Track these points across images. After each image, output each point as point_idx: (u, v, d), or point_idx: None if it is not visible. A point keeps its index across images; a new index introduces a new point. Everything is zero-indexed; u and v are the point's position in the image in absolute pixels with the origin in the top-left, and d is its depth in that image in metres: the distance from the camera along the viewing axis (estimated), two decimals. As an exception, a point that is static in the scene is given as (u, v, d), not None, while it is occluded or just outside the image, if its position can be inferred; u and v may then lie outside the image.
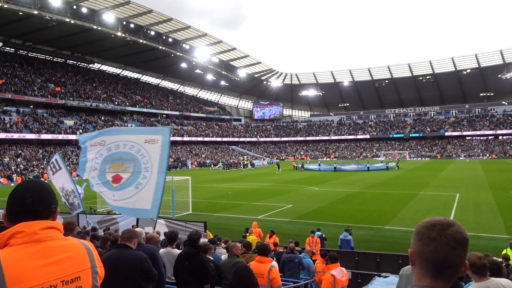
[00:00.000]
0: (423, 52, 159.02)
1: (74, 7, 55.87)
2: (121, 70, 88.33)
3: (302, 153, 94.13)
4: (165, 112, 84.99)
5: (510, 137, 79.92)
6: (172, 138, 77.45)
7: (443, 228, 1.56)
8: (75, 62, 78.47)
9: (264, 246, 5.69)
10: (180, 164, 66.24)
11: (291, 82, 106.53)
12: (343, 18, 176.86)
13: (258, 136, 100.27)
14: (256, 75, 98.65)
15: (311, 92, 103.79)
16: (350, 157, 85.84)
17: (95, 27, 58.57)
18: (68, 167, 11.69)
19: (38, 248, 1.68)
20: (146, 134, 9.15)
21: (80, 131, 61.38)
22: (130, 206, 8.83)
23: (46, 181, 11.31)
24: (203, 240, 7.51)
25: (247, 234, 12.89)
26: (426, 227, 1.61)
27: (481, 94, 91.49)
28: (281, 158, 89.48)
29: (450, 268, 1.55)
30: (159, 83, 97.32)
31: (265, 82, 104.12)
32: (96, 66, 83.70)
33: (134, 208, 8.87)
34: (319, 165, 54.29)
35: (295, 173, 50.81)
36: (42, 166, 48.83)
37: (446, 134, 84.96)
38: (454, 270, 1.55)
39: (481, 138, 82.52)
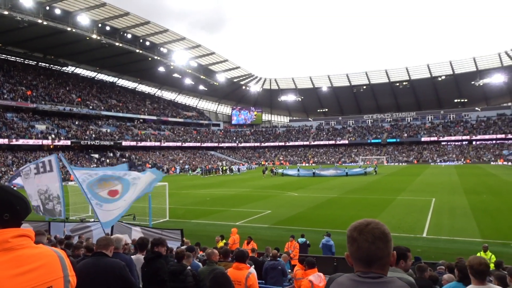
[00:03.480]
0: (400, 59, 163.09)
1: (47, 8, 54.65)
2: (96, 73, 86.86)
3: (281, 158, 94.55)
4: (142, 116, 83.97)
5: (484, 142, 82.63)
6: (149, 144, 76.61)
7: (362, 227, 1.80)
8: (47, 64, 76.66)
9: (242, 253, 5.69)
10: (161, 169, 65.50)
11: (270, 87, 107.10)
12: (322, 24, 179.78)
13: (237, 141, 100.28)
14: (235, 80, 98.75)
15: (290, 97, 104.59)
16: (329, 162, 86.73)
17: (69, 29, 57.43)
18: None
19: (9, 257, 1.63)
20: (146, 173, 9.87)
21: (53, 136, 59.91)
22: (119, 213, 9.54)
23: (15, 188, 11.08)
24: (173, 246, 7.46)
25: (221, 241, 12.87)
26: (350, 230, 1.86)
27: (456, 100, 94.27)
28: (261, 163, 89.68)
29: (377, 261, 1.77)
30: (135, 87, 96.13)
31: (244, 87, 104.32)
32: (70, 69, 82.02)
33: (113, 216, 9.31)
34: (298, 170, 54.59)
35: (274, 178, 50.98)
36: (11, 173, 47.33)
37: (422, 139, 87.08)
38: (381, 262, 1.77)
39: (456, 143, 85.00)
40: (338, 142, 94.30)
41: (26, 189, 11.11)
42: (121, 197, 9.63)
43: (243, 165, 74.67)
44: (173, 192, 32.35)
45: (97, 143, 65.61)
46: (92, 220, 16.28)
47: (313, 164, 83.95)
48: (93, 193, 9.63)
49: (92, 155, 65.00)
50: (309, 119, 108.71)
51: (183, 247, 7.88)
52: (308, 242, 13.49)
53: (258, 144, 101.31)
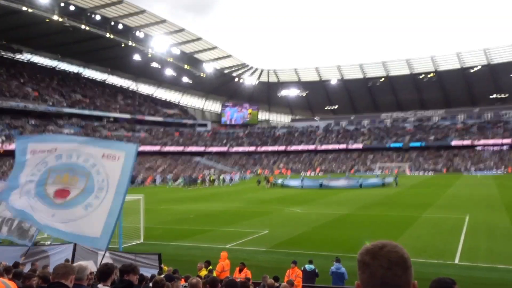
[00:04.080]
0: (424, 46, 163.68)
1: (-3, -17, 54.58)
2: (58, 62, 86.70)
3: (281, 166, 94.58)
4: (113, 115, 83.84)
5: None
6: (120, 148, 76.33)
7: (376, 251, 1.82)
8: (-3, 51, 76.56)
9: (233, 283, 5.60)
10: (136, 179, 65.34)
11: (268, 79, 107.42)
12: (330, 5, 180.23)
13: (228, 145, 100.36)
14: (226, 71, 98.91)
15: (292, 92, 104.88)
16: (339, 171, 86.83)
17: (24, 8, 57.27)
18: None
19: None
20: (105, 148, 9.19)
21: (3, 137, 59.52)
22: (74, 231, 8.62)
23: None
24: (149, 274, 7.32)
25: (204, 268, 12.74)
26: (361, 253, 1.87)
27: (492, 96, 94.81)
28: (257, 172, 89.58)
29: None
30: (105, 79, 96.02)
31: (236, 80, 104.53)
32: (26, 57, 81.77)
33: (79, 234, 8.61)
34: (302, 181, 54.62)
35: (272, 190, 50.79)
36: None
37: (453, 143, 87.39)
38: None
39: (494, 148, 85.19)
40: (350, 147, 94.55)
41: None
42: (65, 206, 8.91)
43: (235, 174, 74.60)
44: (149, 207, 32.17)
45: (58, 147, 65.23)
46: (49, 242, 16.06)
47: (320, 173, 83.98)
48: (41, 184, 9.03)
49: (51, 161, 64.57)
50: (315, 118, 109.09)
51: (162, 276, 7.74)
52: (317, 270, 13.39)
53: (253, 148, 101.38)
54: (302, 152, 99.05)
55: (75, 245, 12.38)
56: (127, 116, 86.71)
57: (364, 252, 1.84)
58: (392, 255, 1.78)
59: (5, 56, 77.67)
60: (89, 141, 9.63)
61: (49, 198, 8.79)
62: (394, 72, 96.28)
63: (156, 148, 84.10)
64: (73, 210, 8.69)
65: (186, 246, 20.15)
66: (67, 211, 8.67)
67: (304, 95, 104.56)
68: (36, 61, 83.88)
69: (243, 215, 29.73)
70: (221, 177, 66.38)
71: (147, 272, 10.76)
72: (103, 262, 12.00)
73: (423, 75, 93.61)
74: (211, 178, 64.93)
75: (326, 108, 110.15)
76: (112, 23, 69.57)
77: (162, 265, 12.42)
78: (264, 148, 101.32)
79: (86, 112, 77.91)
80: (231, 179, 65.70)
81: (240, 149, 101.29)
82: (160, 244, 20.02)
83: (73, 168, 8.99)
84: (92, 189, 8.81)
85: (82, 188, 8.89)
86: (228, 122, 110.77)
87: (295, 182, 55.67)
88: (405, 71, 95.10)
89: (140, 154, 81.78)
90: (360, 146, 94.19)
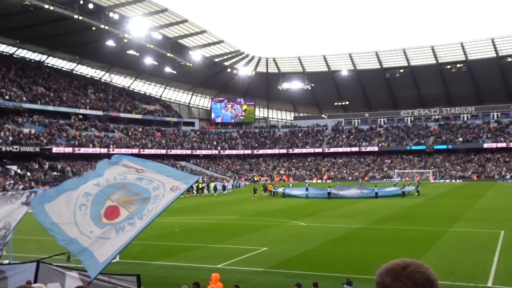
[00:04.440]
0: (452, 31, 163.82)
1: None
2: (16, 48, 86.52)
3: (282, 172, 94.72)
4: (82, 111, 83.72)
5: None
6: (92, 150, 76.34)
7: (398, 271, 1.82)
8: None
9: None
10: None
11: (267, 70, 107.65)
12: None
13: (219, 148, 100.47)
14: (217, 59, 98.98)
15: (295, 85, 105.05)
16: (351, 178, 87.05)
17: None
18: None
19: None
20: (177, 180, 10.58)
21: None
22: (90, 247, 9.58)
23: None
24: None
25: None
26: (380, 274, 1.88)
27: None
28: (254, 179, 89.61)
29: None
30: (73, 69, 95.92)
31: (229, 70, 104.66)
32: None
33: (91, 251, 9.30)
34: (307, 189, 54.71)
35: (272, 201, 50.73)
36: None
37: (485, 145, 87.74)
38: None
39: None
40: (364, 149, 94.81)
41: None
42: (105, 227, 9.92)
43: (227, 181, 74.64)
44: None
45: (16, 149, 65.12)
46: (7, 262, 16.01)
47: (328, 181, 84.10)
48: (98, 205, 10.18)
49: (9, 167, 64.46)
50: (323, 115, 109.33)
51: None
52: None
53: (249, 151, 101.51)
54: (307, 155, 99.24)
55: (38, 264, 12.37)
56: (99, 112, 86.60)
57: (384, 272, 1.86)
58: (417, 276, 1.78)
59: (-46, 41, 77.38)
60: (164, 170, 11.07)
61: (99, 217, 9.72)
62: (416, 62, 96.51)
63: (134, 151, 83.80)
64: (107, 229, 9.48)
65: (170, 266, 20.14)
66: (103, 230, 9.48)
67: (309, 89, 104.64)
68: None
69: (238, 229, 29.75)
70: (211, 185, 66.40)
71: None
72: (75, 285, 12.02)
73: (451, 65, 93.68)
74: (200, 186, 64.87)
75: (335, 104, 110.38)
76: (81, 2, 69.43)
77: (142, 288, 12.40)
78: (262, 151, 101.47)
79: (50, 108, 77.76)
80: (224, 187, 65.69)
81: (234, 152, 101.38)
82: (139, 264, 20.03)
83: (140, 192, 10.13)
84: (137, 214, 9.74)
85: (132, 211, 9.80)
86: (219, 120, 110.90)
87: (298, 191, 55.68)
88: (430, 60, 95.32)
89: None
90: (375, 148, 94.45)
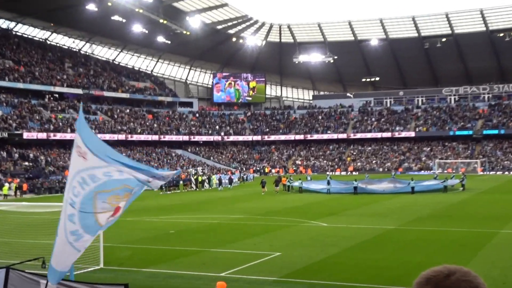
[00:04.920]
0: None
1: None
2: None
3: (299, 162, 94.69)
4: (58, 89, 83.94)
5: None
6: (70, 136, 76.32)
7: (440, 280, 1.82)
8: None
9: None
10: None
11: (280, 39, 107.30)
12: None
13: (222, 133, 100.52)
14: (220, 27, 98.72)
15: (314, 57, 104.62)
16: (381, 169, 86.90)
17: None
18: None
19: None
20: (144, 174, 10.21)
21: None
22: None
23: None
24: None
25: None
26: (418, 284, 1.89)
27: None
28: (264, 170, 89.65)
29: None
30: (47, 38, 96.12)
31: (235, 39, 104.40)
32: None
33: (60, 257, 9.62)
34: (329, 183, 54.67)
35: (286, 196, 50.77)
36: None
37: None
38: None
39: None
40: (397, 135, 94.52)
41: None
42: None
43: (232, 173, 74.76)
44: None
45: (-20, 134, 65.57)
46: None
47: (354, 173, 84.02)
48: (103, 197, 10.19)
49: (-28, 155, 64.91)
50: (348, 94, 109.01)
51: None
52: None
53: (258, 137, 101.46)
54: (328, 142, 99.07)
55: (7, 271, 12.48)
56: (78, 91, 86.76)
57: (423, 282, 1.86)
58: (463, 285, 1.79)
59: None
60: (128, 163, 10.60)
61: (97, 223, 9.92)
62: (462, 29, 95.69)
63: (120, 136, 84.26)
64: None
65: (164, 274, 20.18)
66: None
67: (331, 62, 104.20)
68: None
69: (245, 231, 29.80)
70: (212, 178, 66.53)
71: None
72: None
73: (504, 33, 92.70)
74: (199, 179, 65.04)
75: (363, 80, 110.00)
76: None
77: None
78: (274, 137, 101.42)
79: (20, 85, 78.04)
80: (230, 180, 65.74)
81: (240, 138, 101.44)
82: (127, 271, 20.05)
83: (125, 185, 10.07)
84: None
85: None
86: (222, 100, 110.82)
87: (318, 185, 55.72)
88: (478, 27, 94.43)
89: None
90: (411, 134, 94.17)
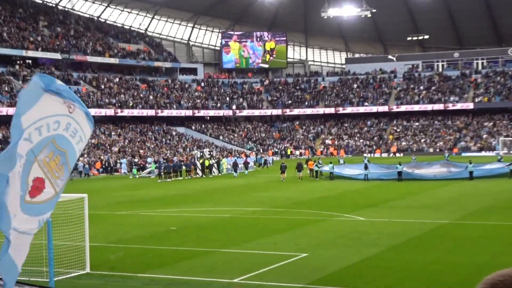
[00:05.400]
0: None
1: None
2: None
3: (329, 141, 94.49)
4: (31, 54, 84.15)
5: None
6: (46, 111, 76.63)
7: (508, 285, 1.86)
8: None
9: None
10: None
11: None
12: None
13: (234, 106, 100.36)
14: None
15: (348, 11, 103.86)
16: (432, 149, 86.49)
17: None
18: None
19: None
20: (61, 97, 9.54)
21: None
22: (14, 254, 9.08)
23: None
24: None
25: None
26: None
27: None
28: (285, 152, 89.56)
29: None
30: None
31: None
32: None
33: (13, 261, 9.05)
34: (366, 167, 54.55)
35: (314, 184, 50.97)
36: None
37: None
38: None
39: None
40: (452, 107, 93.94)
41: None
42: (31, 210, 9.38)
43: (247, 156, 74.74)
44: (100, 214, 32.33)
45: None
46: None
47: (397, 155, 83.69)
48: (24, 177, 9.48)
49: None
50: (390, 56, 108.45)
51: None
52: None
53: (279, 111, 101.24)
54: (365, 117, 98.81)
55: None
56: (56, 55, 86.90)
57: (488, 286, 1.88)
58: None
59: None
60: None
61: (25, 193, 9.10)
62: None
63: (108, 112, 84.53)
64: (31, 219, 9.02)
65: (165, 280, 20.25)
66: (29, 218, 8.99)
67: (369, 16, 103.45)
68: None
69: (263, 227, 29.85)
70: (222, 162, 66.70)
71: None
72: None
73: None
74: (206, 164, 65.07)
75: (408, 39, 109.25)
76: None
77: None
78: (298, 111, 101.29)
79: (-15, 49, 78.42)
80: (246, 165, 65.71)
81: (256, 112, 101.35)
82: (119, 277, 20.15)
83: (68, 152, 9.42)
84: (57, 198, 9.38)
85: (58, 190, 9.28)
86: (233, 65, 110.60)
87: (353, 170, 55.88)
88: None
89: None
90: (469, 105, 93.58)
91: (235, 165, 63.54)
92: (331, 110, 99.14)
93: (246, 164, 66.28)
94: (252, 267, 21.44)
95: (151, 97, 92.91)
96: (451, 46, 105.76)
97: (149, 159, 71.68)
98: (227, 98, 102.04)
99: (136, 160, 71.74)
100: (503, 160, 59.62)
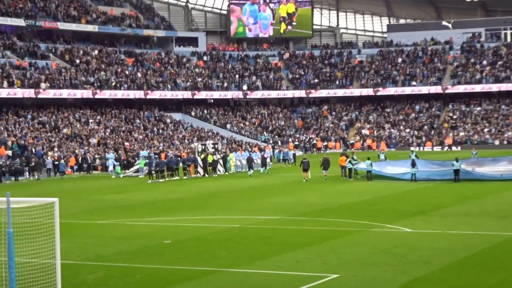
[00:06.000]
0: None
1: None
2: None
3: (366, 131, 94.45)
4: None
5: None
6: (6, 93, 76.91)
7: None
8: None
9: None
10: (31, 163, 66.17)
11: None
12: None
13: (244, 86, 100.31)
14: None
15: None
16: (497, 141, 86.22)
17: None
18: None
19: None
20: None
21: None
22: None
23: None
24: None
25: None
26: None
27: None
28: (311, 145, 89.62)
29: None
30: None
31: None
32: None
33: None
34: (414, 164, 54.37)
35: (346, 186, 51.04)
36: None
37: None
38: None
39: None
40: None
41: None
42: None
43: (261, 150, 74.73)
44: (74, 223, 32.54)
45: None
46: None
47: (454, 148, 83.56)
48: None
49: None
50: (444, 23, 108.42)
51: None
52: None
53: (302, 92, 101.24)
54: (413, 99, 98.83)
55: None
56: (19, 22, 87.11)
57: None
58: None
59: None
60: None
61: None
62: None
63: (85, 93, 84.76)
64: None
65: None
66: None
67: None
68: None
69: (282, 240, 29.78)
70: (229, 157, 66.77)
71: None
72: None
73: None
74: (209, 160, 65.05)
75: (468, 0, 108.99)
76: None
77: None
78: (326, 93, 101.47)
79: None
80: (264, 161, 65.57)
81: (273, 94, 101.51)
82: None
83: None
84: None
85: None
86: (244, 34, 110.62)
87: (397, 168, 55.83)
88: None
89: (47, 105, 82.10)
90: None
91: (249, 161, 63.52)
92: (369, 92, 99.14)
93: (264, 160, 66.29)
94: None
95: (139, 74, 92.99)
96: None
97: (142, 153, 71.34)
98: (236, 76, 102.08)
99: (120, 154, 71.58)
100: None
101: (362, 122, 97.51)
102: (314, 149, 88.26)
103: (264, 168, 65.09)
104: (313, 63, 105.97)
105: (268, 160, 69.86)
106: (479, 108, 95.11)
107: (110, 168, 68.41)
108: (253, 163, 63.61)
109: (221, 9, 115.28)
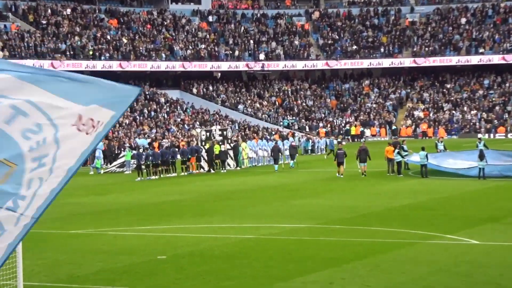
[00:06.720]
0: None
1: None
2: None
3: (420, 113, 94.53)
4: None
5: None
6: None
7: None
8: None
9: None
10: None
11: None
12: None
13: (261, 56, 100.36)
14: None
15: None
16: None
17: None
18: None
19: None
20: (91, 103, 9.89)
21: None
22: None
23: None
24: None
25: None
26: None
27: None
28: (347, 132, 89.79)
29: None
30: None
31: None
32: None
33: None
34: (482, 156, 54.29)
35: (394, 184, 51.33)
36: None
37: None
38: None
39: None
40: None
41: None
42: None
43: (284, 138, 74.94)
44: (43, 233, 32.55)
45: None
46: None
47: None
48: None
49: None
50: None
51: None
52: None
53: (335, 64, 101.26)
54: (481, 71, 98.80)
55: None
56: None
57: None
58: None
59: None
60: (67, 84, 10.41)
61: None
62: None
63: (55, 63, 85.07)
64: None
65: None
66: None
67: None
68: None
69: (310, 254, 29.76)
70: (242, 148, 66.72)
71: None
72: None
73: None
74: (215, 150, 65.17)
75: None
76: None
77: None
78: (367, 63, 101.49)
79: None
80: (292, 152, 65.76)
81: (299, 65, 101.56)
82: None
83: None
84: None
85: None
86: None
87: (460, 161, 55.97)
88: None
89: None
90: None
91: (276, 152, 63.51)
92: (423, 62, 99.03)
93: (293, 150, 66.28)
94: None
95: (124, 40, 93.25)
96: None
97: (139, 141, 71.09)
98: (251, 42, 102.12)
99: (101, 145, 71.86)
100: None
101: (414, 102, 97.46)
102: (348, 137, 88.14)
103: (293, 161, 65.10)
104: (350, 24, 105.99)
105: (297, 148, 70.01)
106: None
107: (101, 162, 67.85)
108: (279, 154, 63.78)
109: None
